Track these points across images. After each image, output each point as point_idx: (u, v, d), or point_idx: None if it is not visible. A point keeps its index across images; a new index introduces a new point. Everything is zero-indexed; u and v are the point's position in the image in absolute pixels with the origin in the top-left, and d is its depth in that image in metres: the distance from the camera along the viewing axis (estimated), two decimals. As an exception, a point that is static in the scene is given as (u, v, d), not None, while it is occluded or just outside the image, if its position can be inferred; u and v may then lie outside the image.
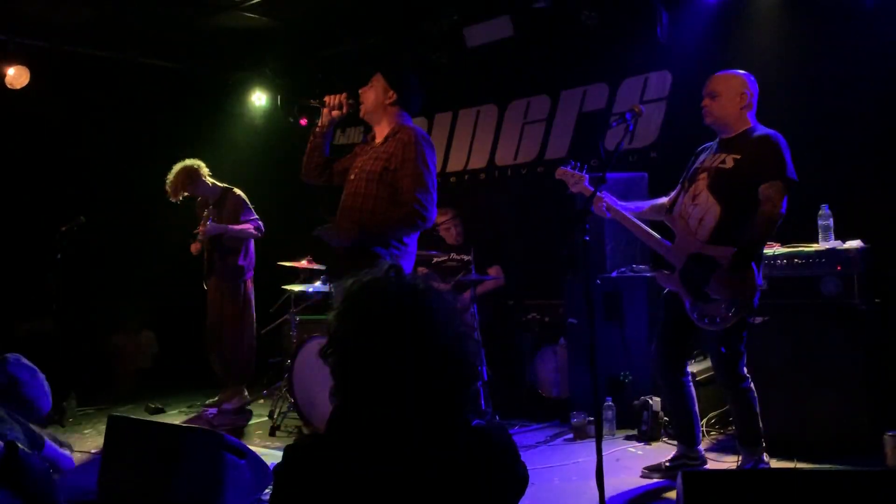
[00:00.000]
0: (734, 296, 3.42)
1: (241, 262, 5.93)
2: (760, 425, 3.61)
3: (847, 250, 3.97)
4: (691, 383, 3.88)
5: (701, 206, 3.59)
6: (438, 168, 6.92)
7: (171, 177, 5.76)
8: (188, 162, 5.82)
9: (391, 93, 3.67)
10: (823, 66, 4.84)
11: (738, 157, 3.54)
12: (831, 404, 3.95)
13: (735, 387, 3.63)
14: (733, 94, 3.62)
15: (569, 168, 3.86)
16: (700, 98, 3.73)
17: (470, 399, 1.53)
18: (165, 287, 7.06)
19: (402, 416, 1.41)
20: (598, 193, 3.63)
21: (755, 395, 3.61)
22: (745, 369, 3.62)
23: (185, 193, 5.82)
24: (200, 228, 5.71)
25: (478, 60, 6.30)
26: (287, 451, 1.48)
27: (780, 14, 5.02)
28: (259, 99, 7.49)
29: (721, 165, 3.58)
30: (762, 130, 3.60)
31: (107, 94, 6.97)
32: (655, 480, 3.84)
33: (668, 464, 3.87)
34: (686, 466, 3.80)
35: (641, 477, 3.89)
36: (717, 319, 3.48)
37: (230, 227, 5.69)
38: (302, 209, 6.73)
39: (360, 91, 3.79)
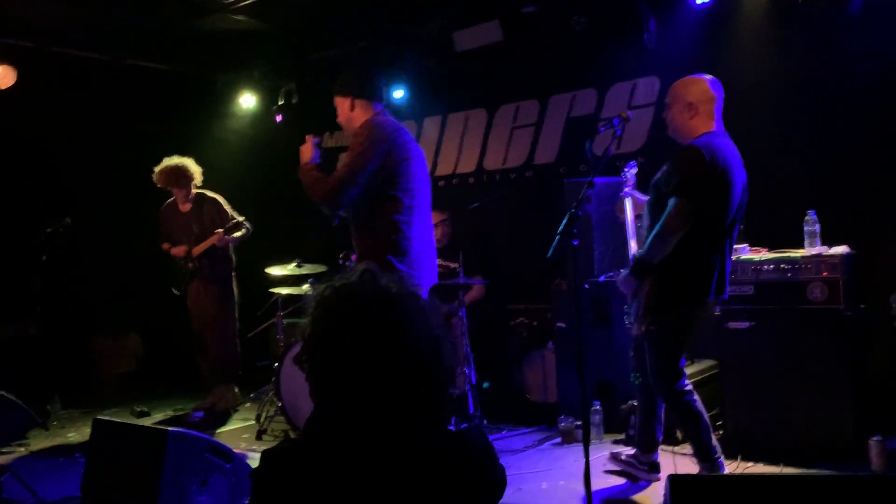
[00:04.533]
0: (635, 304, 3.53)
1: (229, 265, 5.94)
2: (707, 439, 3.51)
3: (833, 256, 4.00)
4: None
5: (645, 216, 3.68)
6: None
7: (169, 165, 5.76)
8: (191, 165, 5.82)
9: (346, 101, 3.70)
10: (810, 73, 4.87)
11: (665, 168, 3.56)
12: (817, 409, 3.97)
13: (667, 400, 3.61)
14: (681, 104, 3.54)
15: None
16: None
17: (446, 403, 1.52)
18: (151, 290, 7.02)
19: (375, 420, 1.41)
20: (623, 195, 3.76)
21: (694, 409, 3.52)
22: (679, 383, 3.53)
23: (169, 188, 5.84)
24: (197, 249, 5.71)
25: (467, 65, 6.31)
26: (264, 456, 1.47)
27: (767, 21, 5.04)
28: (247, 101, 7.46)
29: (658, 177, 3.63)
30: (691, 142, 3.46)
31: (93, 95, 6.92)
32: (644, 485, 3.85)
33: (623, 456, 4.00)
34: (635, 468, 3.92)
35: (604, 472, 4.00)
36: (627, 325, 3.64)
37: (233, 237, 5.70)
38: (289, 212, 6.74)
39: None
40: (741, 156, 3.55)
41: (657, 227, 3.37)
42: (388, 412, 1.41)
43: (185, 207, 5.93)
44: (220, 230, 5.64)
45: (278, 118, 5.11)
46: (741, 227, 3.77)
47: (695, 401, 3.54)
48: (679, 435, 4.30)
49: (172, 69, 7.29)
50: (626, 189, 3.88)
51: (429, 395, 1.45)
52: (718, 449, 3.55)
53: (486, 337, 5.83)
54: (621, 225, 3.86)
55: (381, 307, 1.44)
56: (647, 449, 3.91)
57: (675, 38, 5.35)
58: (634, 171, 3.95)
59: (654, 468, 3.91)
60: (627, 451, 4.05)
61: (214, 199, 5.91)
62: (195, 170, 5.87)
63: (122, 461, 3.48)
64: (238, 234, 5.73)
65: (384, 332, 1.41)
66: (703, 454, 3.53)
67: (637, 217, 3.83)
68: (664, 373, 3.55)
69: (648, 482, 3.87)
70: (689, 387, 3.58)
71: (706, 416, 3.56)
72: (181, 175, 5.79)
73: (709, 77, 3.59)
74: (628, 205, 3.82)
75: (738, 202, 3.49)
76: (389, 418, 1.41)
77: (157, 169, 5.81)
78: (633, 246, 3.74)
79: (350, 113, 3.69)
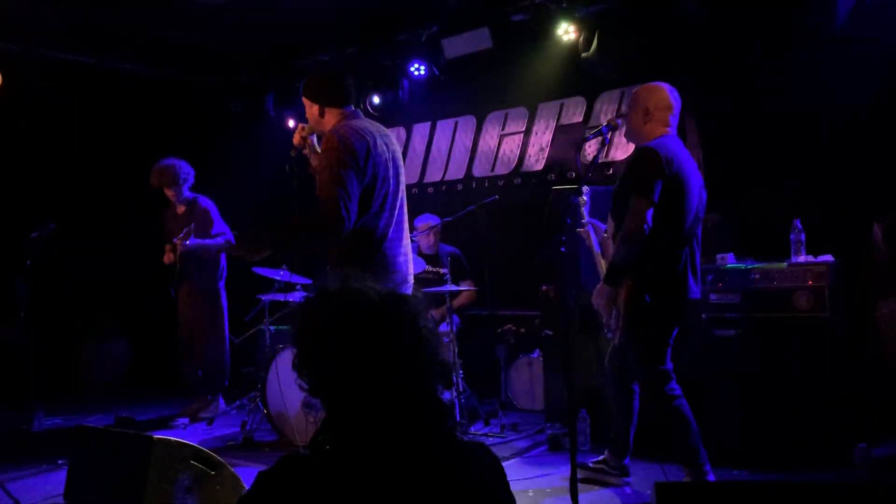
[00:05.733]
0: (613, 312, 3.56)
1: (215, 271, 5.90)
2: (693, 444, 3.53)
3: (818, 265, 4.03)
4: (639, 398, 3.91)
5: (610, 223, 3.73)
6: (415, 179, 6.95)
7: (161, 164, 5.74)
8: (183, 166, 5.81)
9: (314, 107, 3.58)
10: (796, 83, 4.91)
11: (623, 174, 3.64)
12: (802, 417, 3.99)
13: (657, 403, 3.63)
14: (639, 109, 3.64)
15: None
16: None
17: (445, 406, 1.50)
18: (137, 295, 6.97)
19: (374, 425, 1.39)
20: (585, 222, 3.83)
21: (682, 413, 3.55)
22: (668, 386, 3.57)
23: (164, 189, 5.82)
24: (177, 241, 5.65)
25: (456, 72, 6.32)
26: (280, 462, 1.43)
27: (754, 32, 5.08)
28: (236, 107, 7.44)
29: (616, 186, 3.69)
30: (646, 144, 3.54)
31: (80, 100, 6.88)
32: (629, 492, 3.85)
33: (590, 463, 4.02)
34: (605, 473, 3.95)
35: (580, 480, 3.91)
36: (609, 333, 3.65)
37: (206, 242, 5.67)
38: (276, 218, 6.71)
39: None
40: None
41: (622, 231, 3.44)
42: (387, 415, 1.39)
43: (181, 210, 5.90)
44: (178, 239, 5.55)
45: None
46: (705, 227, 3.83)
47: (683, 405, 3.57)
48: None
49: (159, 74, 7.27)
50: (586, 218, 3.92)
51: (426, 393, 1.44)
52: (705, 456, 3.55)
53: (473, 344, 5.82)
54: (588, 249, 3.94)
55: (368, 310, 1.43)
56: (620, 453, 3.95)
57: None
58: (586, 198, 3.92)
59: (625, 472, 3.96)
60: (592, 458, 4.10)
61: (205, 210, 5.87)
62: (187, 171, 5.84)
63: (105, 468, 3.44)
64: (212, 241, 5.69)
65: (372, 334, 1.41)
66: (689, 459, 3.55)
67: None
68: (652, 376, 3.57)
69: (630, 489, 3.88)
70: (678, 391, 3.60)
71: (694, 421, 3.57)
72: (169, 174, 5.77)
73: (668, 86, 3.68)
74: (591, 232, 3.89)
75: (697, 203, 3.57)
76: (390, 422, 1.39)
77: (155, 173, 5.79)
78: (602, 266, 3.80)
79: (320, 119, 3.58)
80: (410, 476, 1.37)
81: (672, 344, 3.62)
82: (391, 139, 3.58)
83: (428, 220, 6.03)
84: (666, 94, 3.63)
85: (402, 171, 3.61)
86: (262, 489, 1.40)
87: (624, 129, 3.78)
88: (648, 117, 3.60)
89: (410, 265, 3.60)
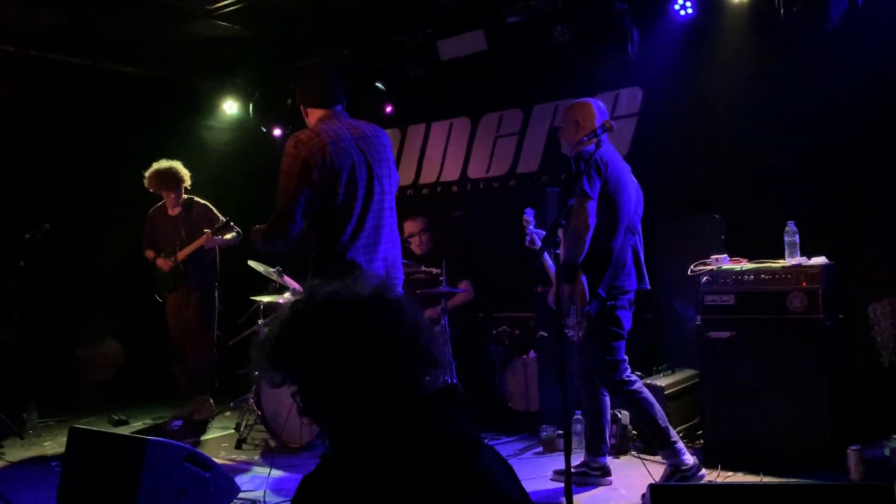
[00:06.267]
0: (572, 309, 3.80)
1: (214, 273, 5.90)
2: (660, 424, 3.79)
3: (812, 266, 4.04)
4: (607, 395, 4.04)
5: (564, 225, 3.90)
6: (410, 180, 6.95)
7: (160, 167, 5.73)
8: (180, 168, 5.80)
9: (301, 107, 3.68)
10: (789, 86, 4.93)
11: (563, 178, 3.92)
12: (796, 418, 4.00)
13: (616, 393, 3.88)
14: (570, 123, 4.00)
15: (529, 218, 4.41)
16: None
17: (449, 395, 1.46)
18: (131, 296, 6.95)
19: (375, 426, 1.37)
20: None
21: (643, 396, 3.82)
22: (625, 374, 3.84)
23: (162, 192, 5.81)
24: (183, 252, 5.64)
25: (451, 73, 6.32)
26: (304, 482, 1.40)
27: (749, 34, 5.10)
28: (230, 108, 7.43)
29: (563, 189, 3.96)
30: (581, 149, 3.82)
31: (74, 101, 6.86)
32: (624, 493, 3.86)
33: (572, 469, 3.99)
34: (587, 475, 4.00)
35: (551, 480, 4.05)
36: (569, 332, 3.82)
37: (225, 238, 5.65)
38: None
39: None
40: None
41: (569, 229, 3.73)
42: (391, 421, 1.36)
43: (175, 211, 5.89)
44: (209, 231, 5.58)
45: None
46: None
47: (641, 390, 3.83)
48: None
49: (154, 75, 7.25)
50: (536, 239, 4.36)
51: (420, 384, 1.42)
52: (674, 434, 3.80)
53: (468, 345, 5.82)
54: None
55: (353, 314, 1.41)
56: (596, 452, 4.02)
57: (657, 50, 5.40)
58: (530, 218, 4.44)
59: (606, 472, 4.01)
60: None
61: (205, 205, 5.90)
62: (185, 172, 5.85)
63: (99, 470, 3.43)
64: (228, 235, 5.66)
65: (359, 337, 1.39)
66: (660, 440, 3.80)
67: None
68: (607, 366, 3.82)
69: (624, 489, 3.89)
70: (633, 377, 3.86)
71: (656, 404, 3.82)
72: (172, 177, 5.76)
73: (593, 100, 4.09)
74: (547, 258, 4.20)
75: (634, 200, 3.97)
76: (390, 418, 1.36)
77: (147, 173, 5.77)
78: (552, 274, 4.08)
79: (306, 118, 3.65)
80: (429, 480, 1.33)
81: (626, 336, 3.88)
82: (371, 141, 3.53)
83: (411, 224, 6.04)
84: (592, 107, 3.99)
85: (387, 174, 3.57)
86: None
87: (564, 141, 4.08)
88: (579, 129, 3.92)
89: (396, 270, 3.57)
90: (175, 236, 5.80)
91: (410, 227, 6.03)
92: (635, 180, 4.06)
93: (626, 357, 3.89)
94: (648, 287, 4.04)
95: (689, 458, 3.80)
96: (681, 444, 3.81)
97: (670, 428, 3.82)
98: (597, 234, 3.72)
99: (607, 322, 3.83)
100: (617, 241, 3.83)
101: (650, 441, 4.06)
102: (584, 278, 3.75)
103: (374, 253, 3.47)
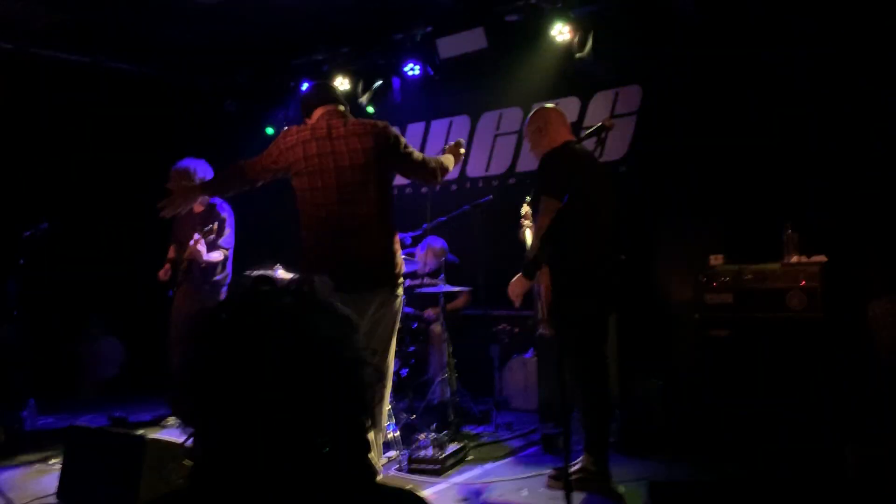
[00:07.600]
0: (537, 305, 3.85)
1: (219, 277, 5.87)
2: (605, 435, 3.76)
3: (811, 265, 4.05)
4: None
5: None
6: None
7: (181, 169, 5.64)
8: (203, 165, 5.74)
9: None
10: (788, 87, 4.93)
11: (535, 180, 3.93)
12: (794, 417, 4.01)
13: (583, 388, 3.81)
14: (533, 129, 4.08)
15: None
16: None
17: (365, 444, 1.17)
18: (132, 294, 6.95)
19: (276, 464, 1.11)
20: None
21: (605, 403, 3.78)
22: (595, 373, 3.79)
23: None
24: (196, 240, 5.58)
25: (451, 72, 6.33)
26: None
27: (747, 35, 5.10)
28: (230, 106, 7.43)
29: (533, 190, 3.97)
30: (548, 151, 3.90)
31: (73, 99, 6.86)
32: (622, 490, 3.85)
33: (571, 470, 3.98)
34: (586, 478, 3.87)
35: (548, 487, 3.90)
36: (542, 329, 3.88)
37: (208, 257, 5.59)
38: (273, 218, 6.70)
39: None
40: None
41: (536, 229, 3.76)
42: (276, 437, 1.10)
43: (199, 209, 5.82)
44: (193, 242, 5.47)
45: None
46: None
47: (607, 393, 3.80)
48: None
49: (154, 73, 7.25)
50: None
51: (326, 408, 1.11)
52: (606, 451, 3.76)
53: (467, 343, 5.82)
54: None
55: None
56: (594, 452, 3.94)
57: (657, 48, 5.40)
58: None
59: (604, 472, 3.88)
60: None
61: (223, 218, 5.71)
62: (204, 171, 5.71)
63: (98, 468, 3.43)
64: (215, 254, 5.62)
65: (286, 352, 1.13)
66: (594, 447, 3.74)
67: None
68: (580, 363, 3.76)
69: (623, 486, 3.88)
70: (604, 378, 3.80)
71: (611, 414, 3.84)
72: (188, 177, 5.67)
73: (550, 105, 4.21)
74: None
75: (602, 199, 3.90)
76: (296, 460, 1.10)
77: (178, 175, 5.66)
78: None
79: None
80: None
81: (598, 330, 3.84)
82: (337, 141, 3.62)
83: (432, 243, 5.88)
84: (554, 112, 4.09)
85: (356, 173, 3.58)
86: None
87: (531, 147, 4.14)
88: (543, 133, 4.02)
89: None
90: (192, 232, 5.75)
91: (423, 248, 5.90)
92: (601, 176, 3.96)
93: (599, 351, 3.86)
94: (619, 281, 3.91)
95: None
96: (608, 463, 3.80)
97: (606, 444, 3.79)
98: (563, 232, 3.65)
99: (579, 321, 3.75)
100: (583, 237, 3.76)
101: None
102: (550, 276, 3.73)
103: (324, 261, 3.67)
